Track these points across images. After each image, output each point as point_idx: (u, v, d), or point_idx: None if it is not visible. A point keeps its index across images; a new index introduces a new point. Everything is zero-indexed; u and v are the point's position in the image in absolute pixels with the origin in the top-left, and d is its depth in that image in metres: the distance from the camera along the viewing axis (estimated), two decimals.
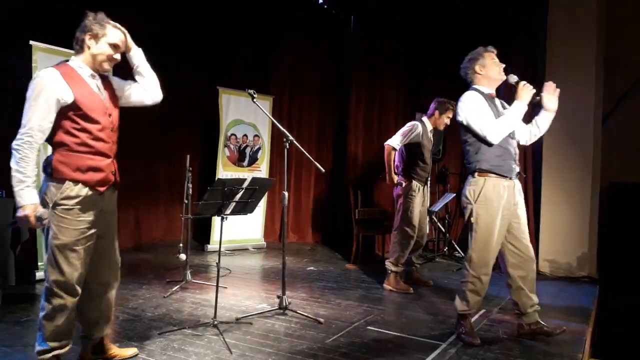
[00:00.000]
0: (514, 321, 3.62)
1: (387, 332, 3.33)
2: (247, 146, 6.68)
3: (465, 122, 3.14)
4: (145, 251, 6.10)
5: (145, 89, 2.65)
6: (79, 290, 2.41)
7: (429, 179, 4.79)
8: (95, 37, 2.39)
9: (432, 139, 4.71)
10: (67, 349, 2.47)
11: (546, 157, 5.45)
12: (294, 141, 3.74)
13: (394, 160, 4.63)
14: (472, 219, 3.14)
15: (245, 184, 3.29)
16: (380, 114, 7.01)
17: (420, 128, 4.58)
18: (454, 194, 6.20)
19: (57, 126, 2.31)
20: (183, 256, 4.53)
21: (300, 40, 7.33)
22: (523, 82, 3.12)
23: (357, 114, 6.97)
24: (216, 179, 6.08)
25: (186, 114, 6.75)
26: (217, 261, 3.38)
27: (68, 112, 2.31)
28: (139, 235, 6.42)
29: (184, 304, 3.86)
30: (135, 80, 2.64)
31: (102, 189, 2.45)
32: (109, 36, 2.41)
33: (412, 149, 4.61)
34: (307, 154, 3.77)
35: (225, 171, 6.44)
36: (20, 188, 2.19)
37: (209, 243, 6.33)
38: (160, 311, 3.63)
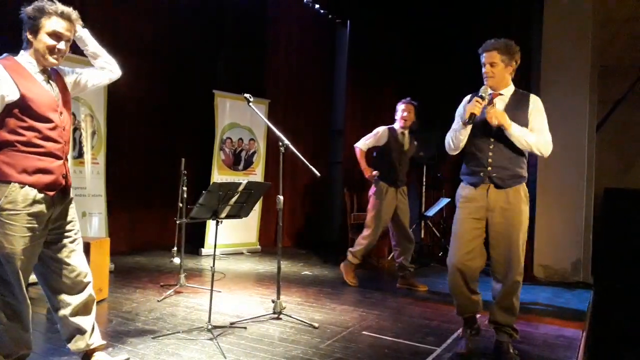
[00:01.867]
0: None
1: (382, 337, 3.32)
2: (242, 150, 6.67)
3: None
4: (139, 254, 6.06)
5: (103, 67, 2.54)
6: (27, 300, 2.25)
7: (404, 181, 4.85)
8: (33, 30, 2.20)
9: (404, 141, 4.84)
10: None
11: (540, 162, 5.47)
12: (290, 145, 3.73)
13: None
14: None
15: (241, 188, 3.28)
16: (375, 118, 7.00)
17: (383, 132, 4.79)
18: (449, 199, 6.21)
19: (2, 125, 2.12)
20: (177, 260, 4.51)
21: (296, 44, 7.34)
22: (477, 100, 2.91)
23: (352, 117, 6.98)
24: (211, 182, 6.07)
25: (182, 117, 6.74)
26: (212, 265, 3.36)
27: (13, 110, 2.12)
28: (133, 238, 6.39)
29: (178, 308, 3.83)
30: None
31: (51, 193, 2.23)
32: (46, 26, 2.19)
33: (380, 152, 4.83)
34: (302, 158, 3.77)
35: (220, 175, 6.42)
36: None
37: (203, 247, 6.30)
38: (154, 315, 3.60)
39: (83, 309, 2.43)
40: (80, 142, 4.93)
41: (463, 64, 6.88)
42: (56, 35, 2.22)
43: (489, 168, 2.99)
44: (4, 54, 2.24)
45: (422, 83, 6.83)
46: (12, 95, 2.11)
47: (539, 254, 5.43)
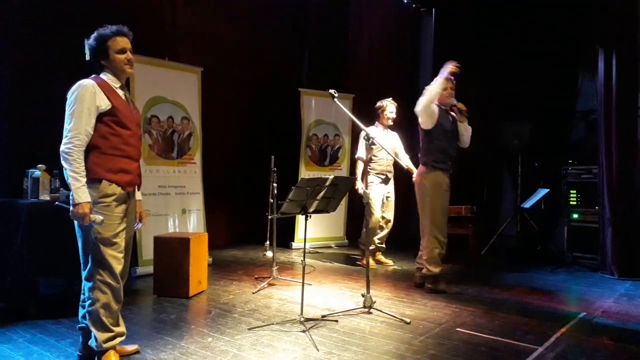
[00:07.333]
0: (619, 325, 3.35)
1: (478, 334, 3.19)
2: (328, 146, 6.75)
3: None
4: (234, 248, 6.36)
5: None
6: (121, 280, 2.60)
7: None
8: (104, 56, 2.59)
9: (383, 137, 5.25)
10: (124, 337, 2.65)
11: None
12: (375, 139, 3.71)
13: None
14: None
15: (328, 182, 3.31)
16: None
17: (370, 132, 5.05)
18: (548, 190, 5.83)
19: (94, 131, 2.52)
20: (270, 253, 4.67)
21: (379, 35, 7.25)
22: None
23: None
24: (299, 178, 6.21)
25: (270, 116, 6.94)
26: (302, 258, 3.43)
27: (104, 118, 2.53)
28: (228, 233, 6.72)
29: (271, 300, 3.97)
30: None
31: (130, 189, 2.66)
32: (112, 47, 2.59)
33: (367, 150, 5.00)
34: (388, 151, 3.74)
35: (307, 171, 6.56)
36: (77, 187, 2.41)
37: (293, 241, 6.48)
38: (250, 307, 3.75)
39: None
40: (179, 144, 5.25)
41: (553, 55, 6.43)
42: (122, 50, 2.61)
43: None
44: (93, 75, 2.62)
45: (510, 73, 6.47)
46: (105, 106, 2.53)
47: None
